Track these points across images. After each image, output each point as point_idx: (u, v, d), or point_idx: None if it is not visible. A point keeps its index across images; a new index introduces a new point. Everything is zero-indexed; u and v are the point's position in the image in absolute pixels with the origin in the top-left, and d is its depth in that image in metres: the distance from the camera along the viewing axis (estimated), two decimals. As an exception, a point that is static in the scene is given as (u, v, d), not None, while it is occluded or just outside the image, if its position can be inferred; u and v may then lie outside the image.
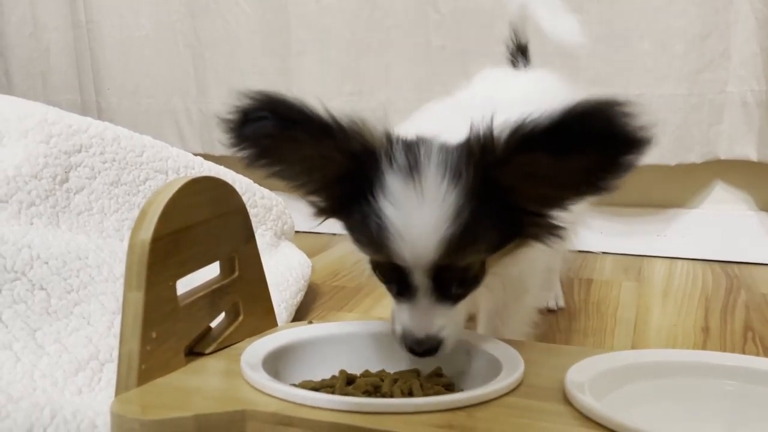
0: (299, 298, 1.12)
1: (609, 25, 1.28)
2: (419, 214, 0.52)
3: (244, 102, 0.52)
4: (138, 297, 0.55)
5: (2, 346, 0.75)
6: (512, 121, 0.49)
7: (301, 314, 1.14)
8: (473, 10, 1.40)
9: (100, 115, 1.77)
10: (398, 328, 0.58)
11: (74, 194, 0.94)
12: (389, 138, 0.54)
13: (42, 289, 0.81)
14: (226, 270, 0.68)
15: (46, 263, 0.82)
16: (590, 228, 1.50)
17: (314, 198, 0.59)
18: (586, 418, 0.49)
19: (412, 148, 0.53)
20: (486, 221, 0.53)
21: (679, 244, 1.42)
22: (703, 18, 1.22)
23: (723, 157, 1.31)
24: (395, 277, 0.57)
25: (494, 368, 0.60)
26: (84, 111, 1.80)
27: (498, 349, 0.62)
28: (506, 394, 0.54)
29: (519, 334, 0.78)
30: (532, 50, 1.23)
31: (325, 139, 0.52)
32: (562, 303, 1.17)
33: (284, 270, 1.12)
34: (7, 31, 1.84)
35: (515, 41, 1.09)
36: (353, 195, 0.55)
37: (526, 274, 0.74)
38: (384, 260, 0.56)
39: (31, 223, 0.87)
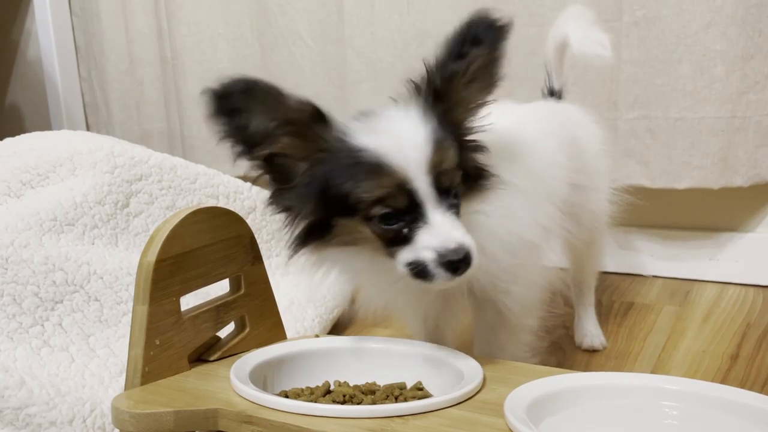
0: (336, 313, 1.20)
1: (647, 50, 1.28)
2: (408, 136, 0.63)
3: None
4: (143, 310, 0.65)
5: (61, 348, 0.89)
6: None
7: (338, 329, 1.22)
8: (517, 38, 1.44)
9: (183, 142, 1.95)
10: (426, 254, 0.61)
11: (133, 217, 1.08)
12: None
13: (96, 300, 0.94)
14: (233, 287, 0.77)
15: (101, 278, 0.95)
16: (639, 251, 1.50)
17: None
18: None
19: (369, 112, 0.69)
20: (449, 136, 0.66)
21: (731, 268, 1.38)
22: (745, 40, 1.20)
23: (773, 180, 1.28)
24: (401, 204, 0.62)
25: (457, 383, 0.65)
26: (170, 138, 1.99)
27: (466, 366, 0.68)
28: (452, 406, 0.59)
29: (516, 357, 0.79)
30: (572, 76, 1.25)
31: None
32: (602, 340, 1.10)
33: (322, 287, 1.21)
34: (107, 67, 2.06)
35: (548, 85, 1.10)
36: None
37: (523, 290, 0.77)
38: (385, 191, 0.62)
39: (93, 243, 1.00)
